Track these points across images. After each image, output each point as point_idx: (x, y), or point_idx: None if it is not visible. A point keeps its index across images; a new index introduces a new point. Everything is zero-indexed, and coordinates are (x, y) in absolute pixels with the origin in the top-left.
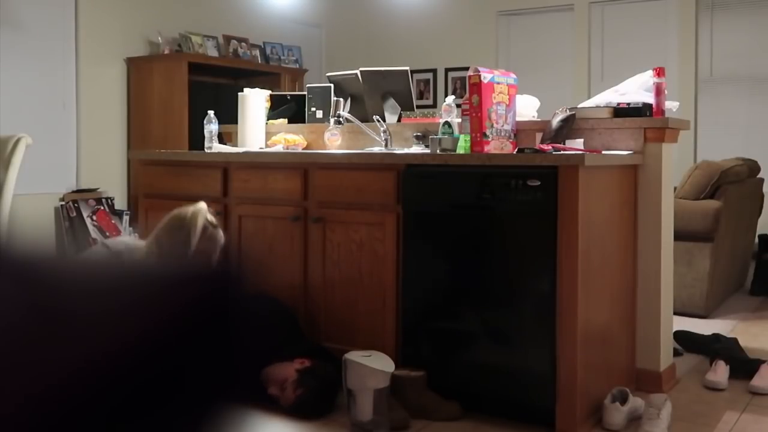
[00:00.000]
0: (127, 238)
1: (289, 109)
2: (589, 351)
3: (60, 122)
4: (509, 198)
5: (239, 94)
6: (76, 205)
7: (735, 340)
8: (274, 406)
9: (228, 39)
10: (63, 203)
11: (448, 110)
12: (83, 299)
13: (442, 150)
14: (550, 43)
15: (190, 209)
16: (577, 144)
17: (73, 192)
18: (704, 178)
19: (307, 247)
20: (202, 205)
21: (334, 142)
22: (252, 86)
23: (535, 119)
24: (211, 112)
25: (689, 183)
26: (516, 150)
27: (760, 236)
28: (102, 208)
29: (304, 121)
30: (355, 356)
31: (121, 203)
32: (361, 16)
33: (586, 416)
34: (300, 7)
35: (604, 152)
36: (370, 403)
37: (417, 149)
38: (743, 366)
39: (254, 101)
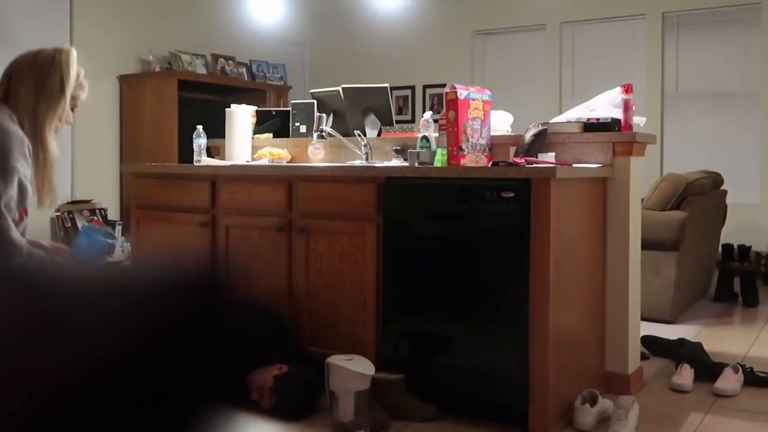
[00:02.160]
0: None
1: (274, 124)
2: (561, 355)
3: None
4: (484, 209)
5: (226, 109)
6: (71, 215)
7: (699, 345)
8: (259, 409)
9: (216, 57)
10: (59, 214)
11: (426, 125)
12: (78, 305)
13: (420, 163)
14: (523, 61)
15: (55, 48)
16: (549, 157)
17: (69, 203)
18: (670, 190)
19: (292, 255)
20: (71, 49)
21: (317, 155)
22: (239, 102)
23: (509, 134)
24: (199, 127)
25: (656, 195)
26: (491, 163)
27: (723, 245)
28: (95, 218)
29: (288, 136)
30: (337, 360)
31: (114, 214)
32: (343, 35)
33: (557, 417)
34: (285, 26)
35: (574, 165)
36: (352, 405)
37: (396, 162)
38: (707, 369)
39: (241, 116)
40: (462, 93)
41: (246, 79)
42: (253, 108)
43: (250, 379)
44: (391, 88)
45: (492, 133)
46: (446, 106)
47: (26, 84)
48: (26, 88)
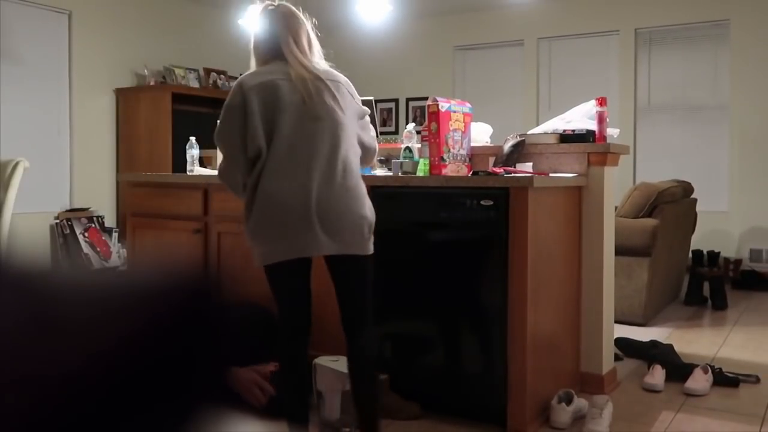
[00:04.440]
0: None
1: None
2: (538, 356)
3: (55, 147)
4: (464, 216)
5: (218, 121)
6: (69, 223)
7: (671, 346)
8: (246, 408)
9: (208, 71)
10: (57, 221)
11: (409, 136)
12: (75, 307)
13: (404, 173)
14: (502, 75)
15: None
16: (526, 167)
17: (67, 211)
18: (642, 198)
19: None
20: None
21: None
22: None
23: (489, 145)
24: (192, 138)
25: (629, 203)
26: (471, 173)
27: (693, 251)
28: (93, 225)
29: None
30: (324, 361)
31: (110, 221)
32: (329, 50)
33: (534, 416)
34: None
35: (551, 175)
36: (338, 404)
37: (381, 172)
38: (678, 370)
39: None
40: (443, 105)
41: None
42: None
43: (237, 376)
44: (376, 101)
45: (472, 144)
46: (428, 118)
47: None
48: None
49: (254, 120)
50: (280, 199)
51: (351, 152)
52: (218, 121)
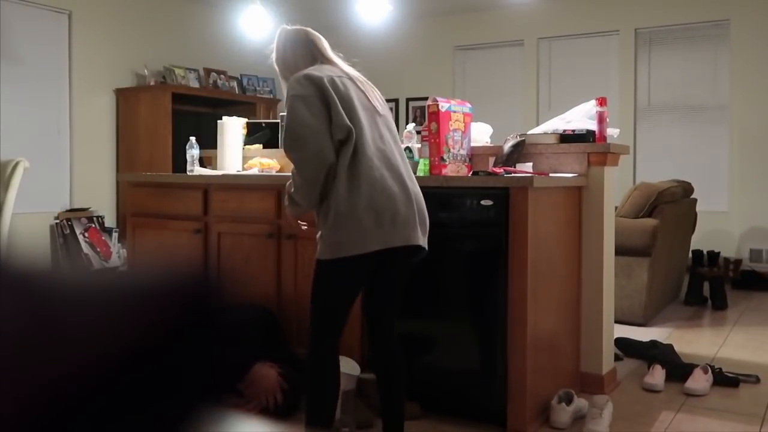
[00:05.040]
0: None
1: (263, 135)
2: (538, 356)
3: (55, 147)
4: (465, 216)
5: (218, 121)
6: (69, 223)
7: (671, 346)
8: (244, 408)
9: (208, 71)
10: (57, 221)
11: (409, 136)
12: (75, 307)
13: None
14: (502, 75)
15: None
16: (526, 167)
17: (67, 211)
18: (642, 198)
19: (281, 261)
20: None
21: None
22: (230, 115)
23: (488, 145)
24: (192, 138)
25: (629, 203)
26: (471, 173)
27: (693, 251)
28: (93, 225)
29: (277, 147)
30: None
31: (110, 221)
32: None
33: (534, 416)
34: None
35: (551, 175)
36: (338, 404)
37: None
38: (678, 370)
39: (232, 128)
40: (443, 106)
41: (237, 92)
42: (244, 120)
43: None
44: None
45: (472, 144)
46: (428, 118)
47: None
48: None
49: (336, 105)
50: (387, 185)
51: (403, 153)
52: (289, 114)
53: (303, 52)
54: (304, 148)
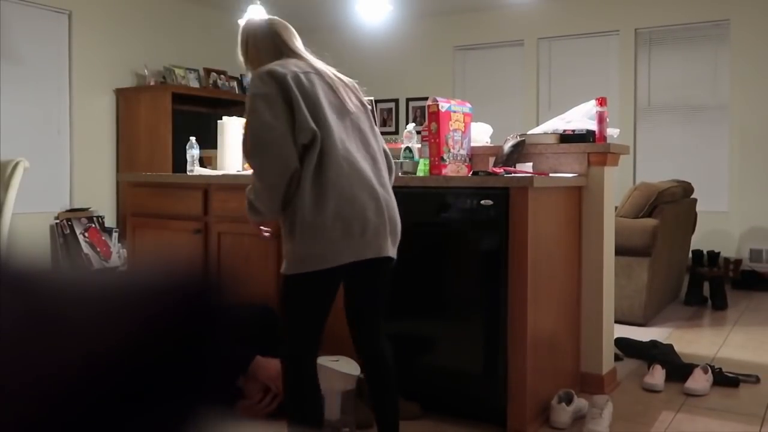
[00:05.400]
0: None
1: None
2: (538, 355)
3: (55, 147)
4: (465, 216)
5: (218, 121)
6: (69, 223)
7: (671, 346)
8: (244, 407)
9: (208, 71)
10: (57, 221)
11: (409, 136)
12: (75, 307)
13: (404, 173)
14: (502, 75)
15: None
16: (526, 167)
17: (67, 211)
18: (642, 198)
19: (280, 261)
20: None
21: None
22: (230, 114)
23: (488, 145)
24: (192, 138)
25: (629, 203)
26: (471, 173)
27: (693, 252)
28: (93, 225)
29: None
30: (324, 361)
31: (110, 221)
32: (330, 50)
33: (534, 415)
34: None
35: (551, 175)
36: (338, 404)
37: None
38: (678, 370)
39: (232, 128)
40: (443, 106)
41: (237, 92)
42: (244, 120)
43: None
44: (376, 101)
45: (472, 144)
46: (428, 118)
47: None
48: None
49: (299, 105)
50: (355, 193)
51: (381, 154)
52: (249, 115)
53: (266, 45)
54: (266, 152)
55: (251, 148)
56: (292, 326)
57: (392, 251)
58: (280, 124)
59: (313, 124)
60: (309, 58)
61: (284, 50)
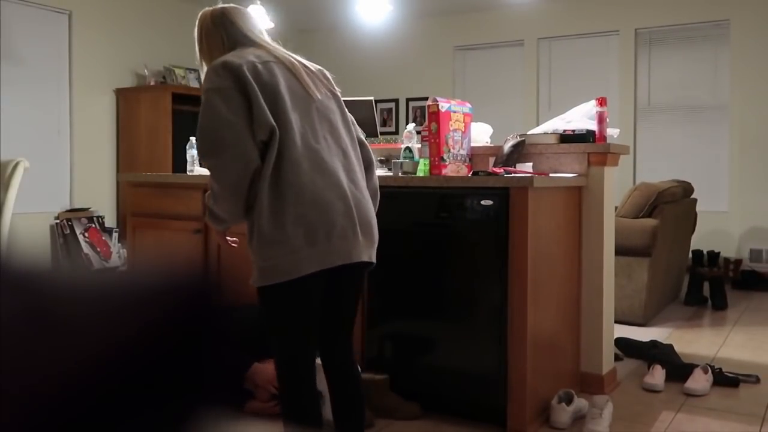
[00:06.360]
0: None
1: None
2: (538, 355)
3: (55, 147)
4: (465, 216)
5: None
6: (69, 223)
7: (671, 346)
8: (253, 407)
9: None
10: (57, 221)
11: (409, 136)
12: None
13: (404, 173)
14: (502, 75)
15: None
16: (526, 167)
17: (67, 211)
18: (642, 198)
19: None
20: None
21: None
22: None
23: (489, 145)
24: (192, 138)
25: (629, 203)
26: (471, 173)
27: (693, 252)
28: (93, 225)
29: None
30: None
31: (110, 221)
32: (330, 51)
33: (534, 415)
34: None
35: (551, 175)
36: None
37: (381, 172)
38: (678, 370)
39: None
40: (443, 106)
41: None
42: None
43: (247, 379)
44: (376, 101)
45: (472, 144)
46: (428, 118)
47: None
48: None
49: (257, 98)
50: (319, 194)
51: (356, 147)
52: (204, 111)
53: (220, 35)
54: (224, 151)
55: (208, 147)
56: (277, 333)
57: (367, 255)
58: (239, 120)
59: (271, 119)
60: (269, 46)
61: (240, 39)
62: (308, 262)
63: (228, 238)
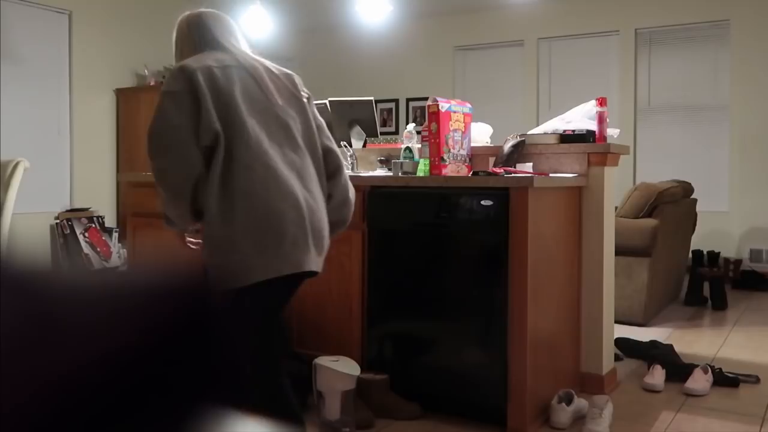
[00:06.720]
0: None
1: None
2: (538, 356)
3: (55, 147)
4: (465, 216)
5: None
6: (69, 223)
7: (671, 347)
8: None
9: None
10: (57, 221)
11: (409, 137)
12: (74, 308)
13: (404, 173)
14: (502, 75)
15: None
16: (526, 167)
17: (67, 211)
18: (643, 198)
19: None
20: None
21: None
22: None
23: (489, 145)
24: None
25: (629, 203)
26: (471, 173)
27: (693, 252)
28: (93, 225)
29: None
30: (324, 361)
31: (110, 221)
32: (331, 51)
33: (534, 416)
34: (274, 42)
35: (551, 175)
36: (338, 404)
37: (381, 172)
38: (678, 370)
39: None
40: (444, 106)
41: None
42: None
43: None
44: (376, 101)
45: (472, 144)
46: (428, 119)
47: None
48: None
49: (206, 102)
50: (271, 201)
51: (316, 154)
52: (155, 114)
53: (194, 39)
54: (167, 154)
55: (154, 150)
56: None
57: (315, 264)
58: (185, 123)
59: (216, 125)
60: (236, 51)
61: (210, 43)
62: (256, 271)
63: (190, 239)
